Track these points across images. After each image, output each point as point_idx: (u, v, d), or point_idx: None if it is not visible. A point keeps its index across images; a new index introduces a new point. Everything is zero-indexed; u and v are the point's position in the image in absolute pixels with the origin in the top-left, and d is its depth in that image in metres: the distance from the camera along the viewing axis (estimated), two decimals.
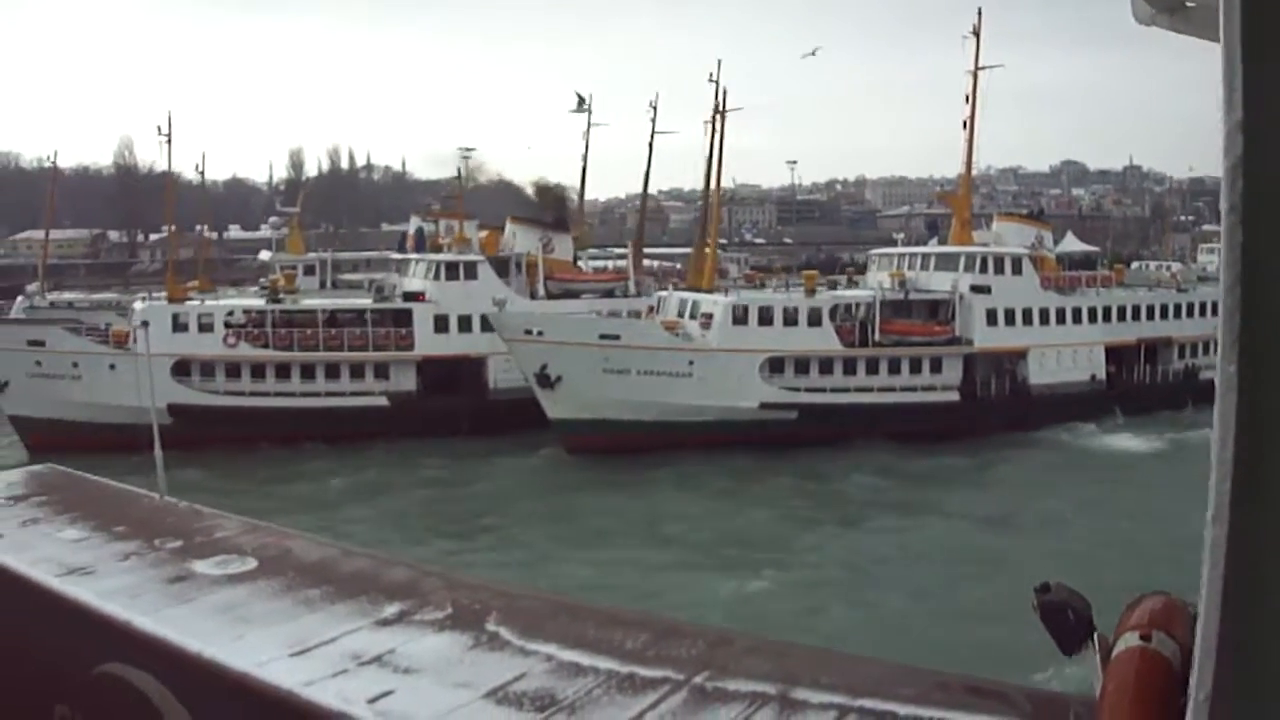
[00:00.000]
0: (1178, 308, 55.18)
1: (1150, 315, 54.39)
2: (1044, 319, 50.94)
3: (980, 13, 53.04)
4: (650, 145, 65.76)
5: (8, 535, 7.47)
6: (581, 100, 67.00)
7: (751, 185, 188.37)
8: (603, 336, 45.13)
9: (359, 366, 48.65)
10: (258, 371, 47.83)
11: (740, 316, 46.58)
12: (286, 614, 5.61)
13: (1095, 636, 2.95)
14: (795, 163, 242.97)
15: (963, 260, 51.61)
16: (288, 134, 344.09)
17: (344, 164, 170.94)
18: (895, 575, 28.60)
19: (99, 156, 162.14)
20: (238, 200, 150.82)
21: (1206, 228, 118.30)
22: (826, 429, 43.79)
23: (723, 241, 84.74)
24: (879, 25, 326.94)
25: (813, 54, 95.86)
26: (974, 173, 58.90)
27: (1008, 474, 41.08)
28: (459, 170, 70.36)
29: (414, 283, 52.31)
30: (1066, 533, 31.91)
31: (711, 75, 55.84)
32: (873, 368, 47.80)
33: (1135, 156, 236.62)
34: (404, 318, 49.66)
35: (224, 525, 7.96)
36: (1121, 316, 53.33)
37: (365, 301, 51.60)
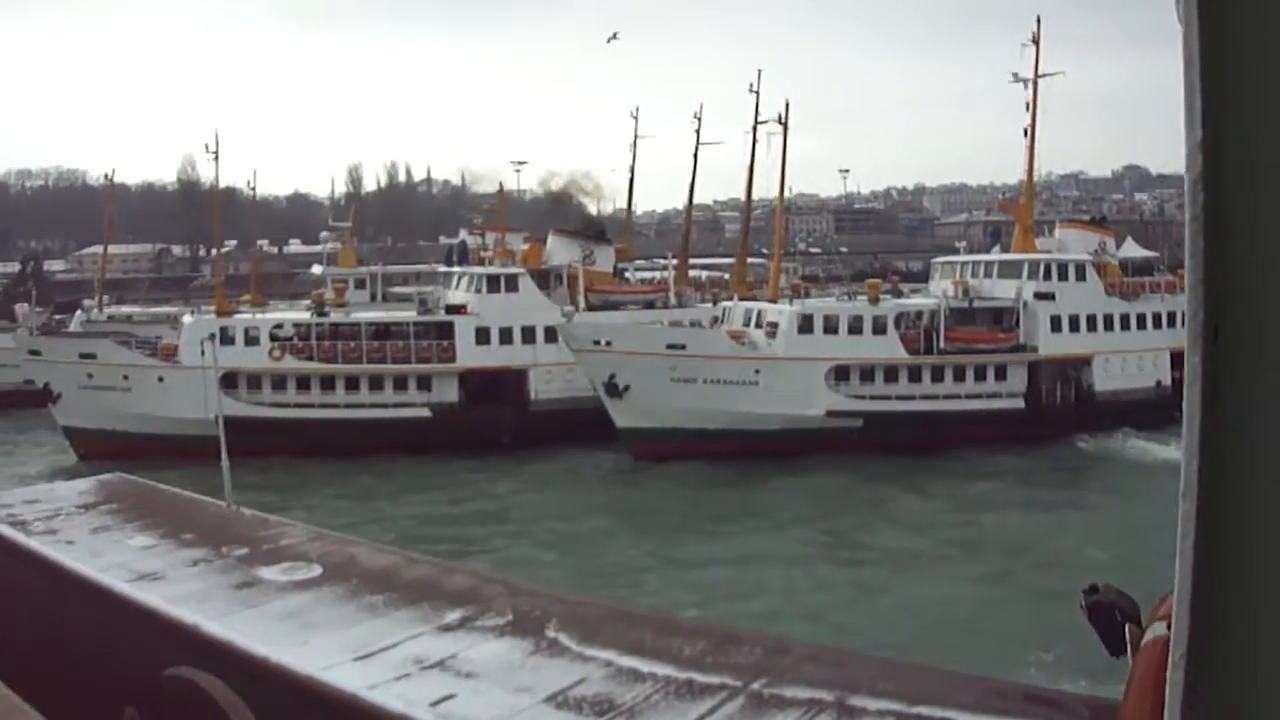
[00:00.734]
0: None
1: None
2: (1108, 325, 50.35)
3: (1039, 20, 52.58)
4: (695, 156, 66.06)
5: (80, 542, 7.67)
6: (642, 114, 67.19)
7: (810, 194, 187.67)
8: (670, 346, 45.33)
9: (402, 378, 49.11)
10: (303, 384, 48.47)
11: (806, 325, 46.67)
12: (350, 619, 5.72)
13: (1127, 628, 2.96)
14: (848, 171, 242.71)
15: (1026, 267, 51.25)
16: (350, 149, 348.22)
17: (401, 178, 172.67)
18: None
19: (164, 173, 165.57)
20: (299, 215, 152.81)
21: None
22: (892, 438, 43.77)
23: (766, 252, 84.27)
24: (941, 31, 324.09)
25: (613, 37, 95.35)
26: (1035, 179, 58.29)
27: (1076, 478, 40.52)
28: (500, 184, 70.94)
29: (457, 295, 52.75)
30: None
31: (752, 86, 56.04)
32: (938, 375, 47.61)
33: None
34: (446, 330, 50.08)
35: (289, 533, 8.11)
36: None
37: (408, 314, 52.10)
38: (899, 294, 53.89)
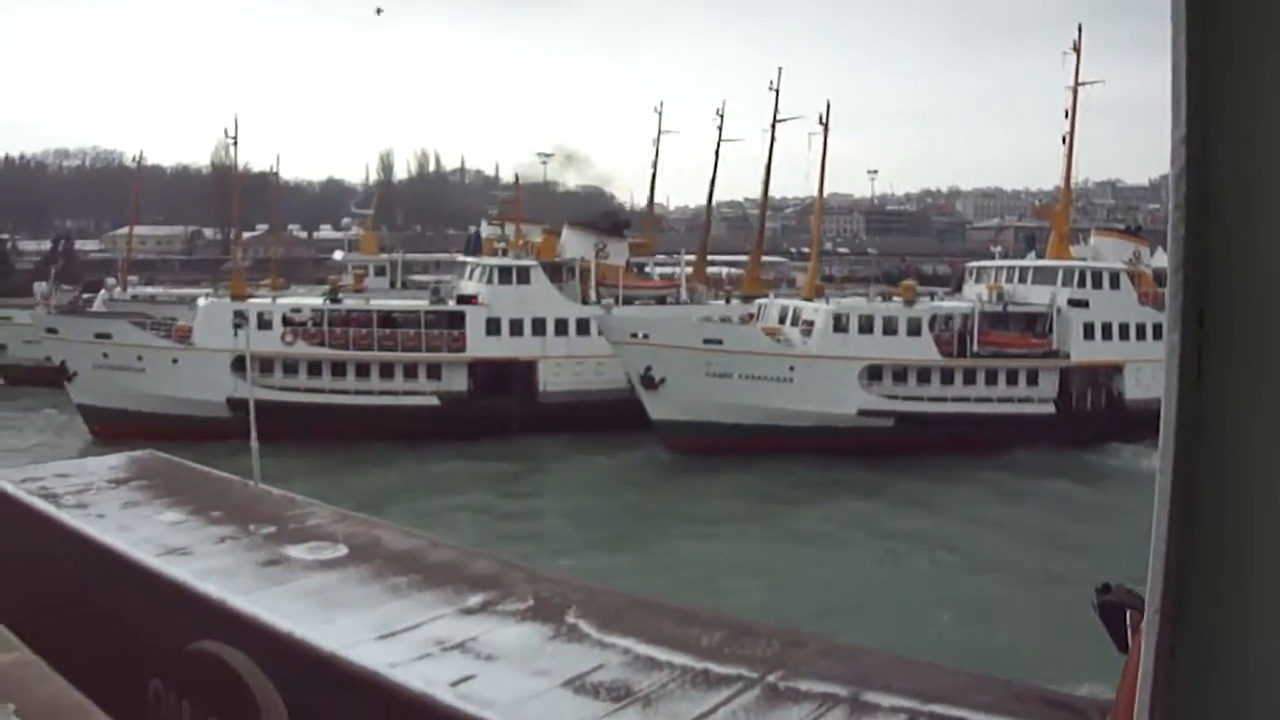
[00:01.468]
0: None
1: None
2: (1140, 334, 50.13)
3: (1080, 29, 52.21)
4: (716, 153, 65.71)
5: (110, 516, 7.79)
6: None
7: (844, 194, 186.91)
8: (706, 341, 45.66)
9: (412, 366, 49.25)
10: (314, 369, 48.66)
11: (841, 324, 46.86)
12: (375, 599, 5.81)
13: (1129, 616, 3.01)
14: (876, 172, 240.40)
15: (1061, 274, 51.20)
16: (386, 137, 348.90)
17: (431, 167, 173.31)
18: None
19: (199, 156, 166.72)
20: (333, 200, 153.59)
21: None
22: (924, 438, 43.97)
23: (795, 251, 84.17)
24: (980, 34, 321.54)
25: (378, 12, 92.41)
26: (1071, 186, 58.05)
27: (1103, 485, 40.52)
28: (516, 175, 70.83)
29: (469, 286, 52.93)
30: None
31: (771, 83, 56.14)
32: (970, 378, 47.70)
33: None
34: (457, 320, 50.17)
35: (316, 513, 8.22)
36: None
37: (420, 303, 52.16)
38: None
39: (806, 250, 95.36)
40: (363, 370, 48.93)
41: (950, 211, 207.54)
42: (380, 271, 65.10)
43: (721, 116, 64.85)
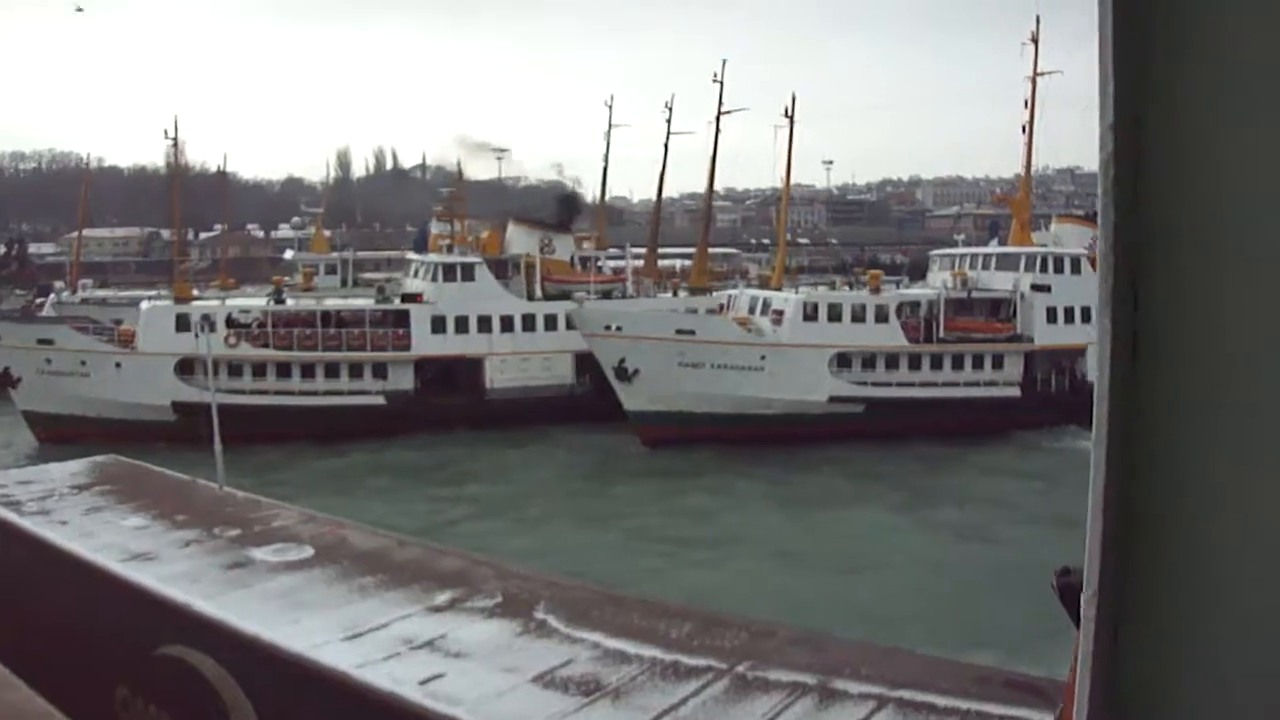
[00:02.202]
0: None
1: None
2: None
3: (1038, 20, 53.16)
4: (665, 146, 65.34)
5: (72, 522, 7.72)
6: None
7: (805, 185, 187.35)
8: (679, 331, 46.07)
9: (357, 366, 48.90)
10: (259, 371, 48.19)
11: (810, 313, 47.45)
12: (341, 600, 5.78)
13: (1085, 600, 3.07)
14: (831, 163, 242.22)
15: (1023, 260, 52.15)
16: (346, 135, 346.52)
17: (389, 164, 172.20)
18: None
19: (156, 157, 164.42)
20: (292, 199, 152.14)
21: None
22: (893, 423, 44.61)
23: (755, 242, 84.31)
24: (940, 22, 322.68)
25: (79, 10, 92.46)
26: (1032, 173, 58.80)
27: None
28: (458, 168, 69.51)
29: (414, 284, 52.71)
30: None
31: (715, 76, 56.55)
32: (937, 363, 48.59)
33: None
34: (402, 318, 49.89)
35: (282, 515, 8.17)
36: None
37: (364, 302, 51.93)
38: (860, 287, 54.62)
39: (767, 242, 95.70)
40: (308, 371, 48.52)
41: (911, 201, 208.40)
42: (331, 270, 64.45)
43: (670, 110, 64.48)
